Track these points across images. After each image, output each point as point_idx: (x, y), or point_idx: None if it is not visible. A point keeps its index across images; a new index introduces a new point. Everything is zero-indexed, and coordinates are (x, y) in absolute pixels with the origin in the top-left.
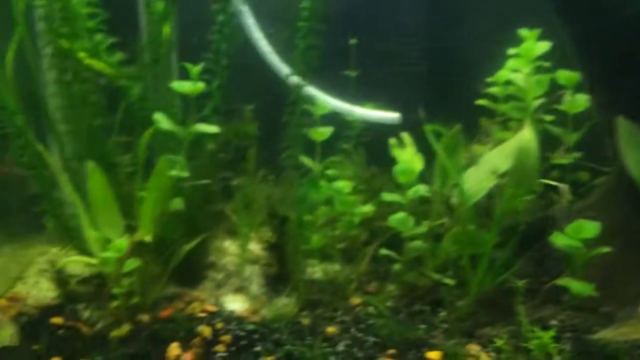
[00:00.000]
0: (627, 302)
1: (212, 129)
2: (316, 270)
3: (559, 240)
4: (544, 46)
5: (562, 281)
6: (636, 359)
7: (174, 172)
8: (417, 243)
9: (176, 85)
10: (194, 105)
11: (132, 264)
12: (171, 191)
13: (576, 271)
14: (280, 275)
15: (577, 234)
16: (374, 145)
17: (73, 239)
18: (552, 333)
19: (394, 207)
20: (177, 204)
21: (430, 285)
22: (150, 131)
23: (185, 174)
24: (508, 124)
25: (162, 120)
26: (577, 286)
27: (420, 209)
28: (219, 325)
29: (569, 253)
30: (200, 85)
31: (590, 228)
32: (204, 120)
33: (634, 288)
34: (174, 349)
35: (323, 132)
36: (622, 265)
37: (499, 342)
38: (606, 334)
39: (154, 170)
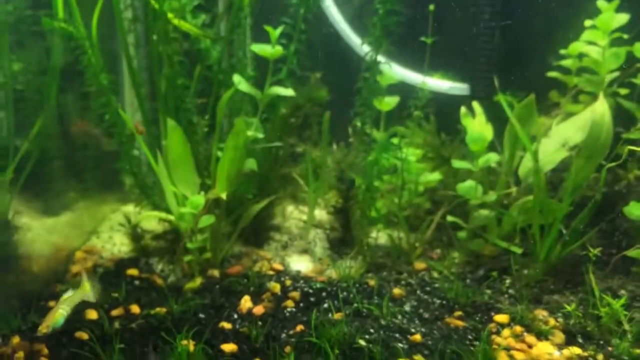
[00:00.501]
0: None
1: (288, 92)
2: (380, 236)
3: (635, 210)
4: (622, 18)
5: (633, 252)
6: None
7: (250, 133)
8: (484, 211)
9: (256, 47)
10: (271, 69)
11: (207, 220)
12: (246, 152)
13: None
14: (344, 239)
15: None
16: (444, 114)
17: (149, 196)
18: (623, 301)
19: (459, 177)
20: (251, 164)
21: (495, 253)
22: (230, 93)
23: (261, 135)
24: (578, 97)
25: (241, 83)
26: None
27: (487, 179)
28: (288, 282)
29: None
30: (279, 49)
31: None
32: (279, 84)
33: None
34: (246, 301)
35: (389, 102)
36: None
37: (569, 308)
38: None
39: (231, 130)
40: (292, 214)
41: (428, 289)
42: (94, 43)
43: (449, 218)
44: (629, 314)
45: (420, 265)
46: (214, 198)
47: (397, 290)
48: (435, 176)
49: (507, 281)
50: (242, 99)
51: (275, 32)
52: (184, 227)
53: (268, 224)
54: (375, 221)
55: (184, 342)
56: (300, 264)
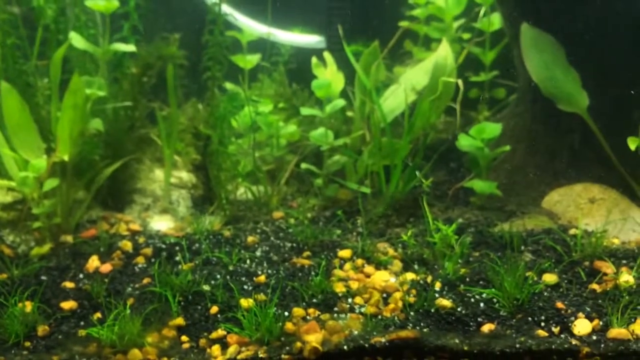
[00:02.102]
0: (528, 201)
1: (129, 47)
2: (243, 192)
3: (463, 141)
4: None
5: (468, 183)
6: (529, 244)
7: (89, 91)
8: (336, 157)
9: (90, 2)
10: (109, 24)
11: (51, 183)
12: (89, 112)
13: (481, 172)
14: (207, 196)
15: (479, 134)
16: (305, 68)
17: None
18: (454, 227)
19: (315, 127)
20: (97, 124)
21: (351, 197)
22: (64, 49)
23: (102, 93)
24: (430, 45)
25: (77, 39)
26: (480, 185)
27: (343, 127)
28: (141, 240)
29: (474, 154)
30: (115, 4)
31: (491, 128)
32: (123, 41)
33: (535, 189)
34: (93, 260)
35: (250, 60)
36: (526, 169)
37: (405, 237)
38: (504, 227)
39: (67, 88)
40: (158, 177)
41: (282, 234)
42: None
43: (303, 166)
44: (460, 238)
45: (278, 214)
46: (59, 161)
47: (251, 238)
48: (293, 128)
49: (359, 221)
50: (85, 57)
51: None
52: (27, 193)
53: (130, 187)
54: (234, 176)
55: (20, 304)
56: (162, 224)
